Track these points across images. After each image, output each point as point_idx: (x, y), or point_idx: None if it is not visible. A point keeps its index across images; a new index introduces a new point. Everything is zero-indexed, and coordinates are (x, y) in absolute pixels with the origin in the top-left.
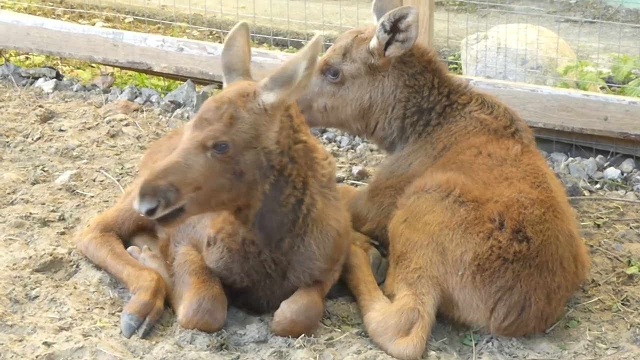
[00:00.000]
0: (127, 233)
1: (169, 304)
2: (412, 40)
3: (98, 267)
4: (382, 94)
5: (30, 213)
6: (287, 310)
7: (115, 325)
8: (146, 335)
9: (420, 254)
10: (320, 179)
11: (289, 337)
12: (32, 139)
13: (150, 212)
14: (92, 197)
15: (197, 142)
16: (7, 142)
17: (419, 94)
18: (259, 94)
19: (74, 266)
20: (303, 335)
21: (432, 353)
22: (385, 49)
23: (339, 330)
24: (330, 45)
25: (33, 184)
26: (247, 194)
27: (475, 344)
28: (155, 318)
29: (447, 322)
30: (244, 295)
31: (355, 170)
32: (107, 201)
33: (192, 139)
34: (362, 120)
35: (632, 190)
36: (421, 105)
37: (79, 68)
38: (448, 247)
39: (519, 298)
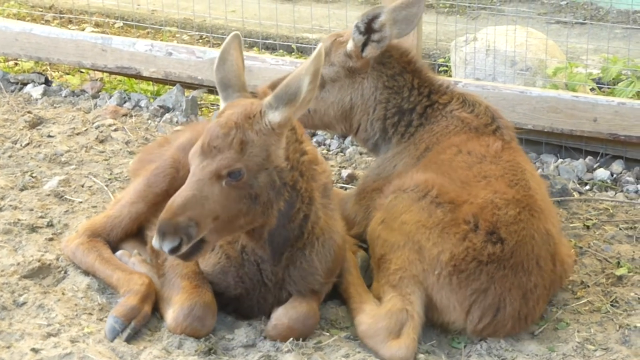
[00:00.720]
0: (115, 240)
1: (157, 309)
2: (387, 40)
3: (86, 273)
4: (362, 96)
5: (19, 219)
6: (284, 316)
7: (102, 330)
8: (130, 340)
9: (398, 254)
10: (322, 190)
11: (277, 341)
12: (21, 145)
13: (174, 250)
14: (81, 202)
15: (210, 172)
16: None
17: (399, 94)
18: (264, 114)
19: (62, 272)
20: (291, 339)
21: (421, 356)
22: (363, 50)
23: (328, 333)
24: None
25: (21, 190)
26: (263, 214)
27: (465, 346)
28: (141, 323)
29: (427, 323)
30: (235, 301)
31: (345, 173)
32: (96, 207)
33: (204, 169)
34: (345, 121)
35: (621, 191)
36: (402, 106)
37: (67, 74)
38: (425, 245)
39: (493, 300)
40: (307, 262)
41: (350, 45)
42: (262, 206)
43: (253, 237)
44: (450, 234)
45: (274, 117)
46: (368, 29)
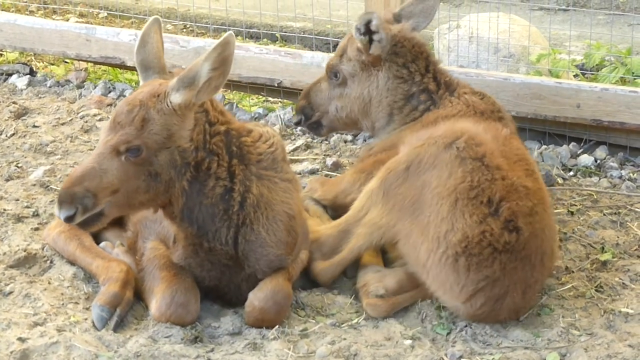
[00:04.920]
0: None
1: (140, 297)
2: (385, 40)
3: (72, 262)
4: (377, 87)
5: (4, 209)
6: (254, 299)
7: (88, 319)
8: (118, 327)
9: (401, 217)
10: (256, 162)
11: (263, 328)
12: (6, 135)
13: (69, 218)
14: None
15: (110, 147)
16: None
17: (408, 82)
18: (168, 94)
19: (48, 262)
20: (277, 326)
21: (407, 342)
22: (370, 47)
23: (313, 321)
24: (306, 36)
25: (7, 180)
26: (166, 192)
27: (449, 333)
28: (126, 309)
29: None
30: (215, 291)
31: (330, 161)
32: None
33: (106, 144)
34: (367, 116)
35: (605, 177)
36: (410, 90)
37: (52, 64)
38: (432, 221)
39: (499, 290)
40: (255, 235)
41: (358, 43)
42: (163, 185)
43: (167, 215)
44: (466, 212)
45: (175, 98)
46: (367, 30)
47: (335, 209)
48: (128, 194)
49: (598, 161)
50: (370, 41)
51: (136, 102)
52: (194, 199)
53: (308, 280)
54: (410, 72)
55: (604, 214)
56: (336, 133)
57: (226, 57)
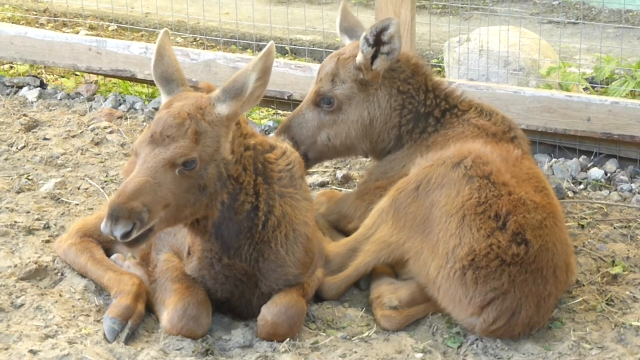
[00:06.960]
0: (106, 240)
1: (151, 310)
2: (397, 52)
3: (82, 275)
4: (379, 107)
5: (15, 221)
6: (267, 314)
7: (99, 331)
8: (129, 340)
9: (411, 236)
10: (277, 180)
11: (274, 341)
12: (17, 148)
13: (126, 235)
14: (77, 205)
15: (165, 160)
16: None
17: (414, 98)
18: (215, 106)
19: (59, 274)
20: (288, 339)
21: (418, 355)
22: (372, 62)
23: (324, 334)
24: (316, 49)
25: (18, 192)
26: (208, 205)
27: (460, 346)
28: (137, 322)
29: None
30: (228, 304)
31: (340, 174)
32: (92, 209)
33: (157, 157)
34: (366, 138)
35: (615, 190)
36: (418, 110)
37: (62, 76)
38: (441, 238)
39: (511, 304)
40: (275, 254)
41: (359, 58)
42: (208, 197)
43: (198, 231)
44: (473, 227)
45: (223, 109)
46: (377, 40)
47: (338, 230)
48: (178, 208)
49: (608, 174)
50: (374, 56)
51: (184, 114)
52: (226, 213)
53: (317, 294)
54: (415, 88)
55: (615, 227)
56: (320, 165)
57: (268, 66)
